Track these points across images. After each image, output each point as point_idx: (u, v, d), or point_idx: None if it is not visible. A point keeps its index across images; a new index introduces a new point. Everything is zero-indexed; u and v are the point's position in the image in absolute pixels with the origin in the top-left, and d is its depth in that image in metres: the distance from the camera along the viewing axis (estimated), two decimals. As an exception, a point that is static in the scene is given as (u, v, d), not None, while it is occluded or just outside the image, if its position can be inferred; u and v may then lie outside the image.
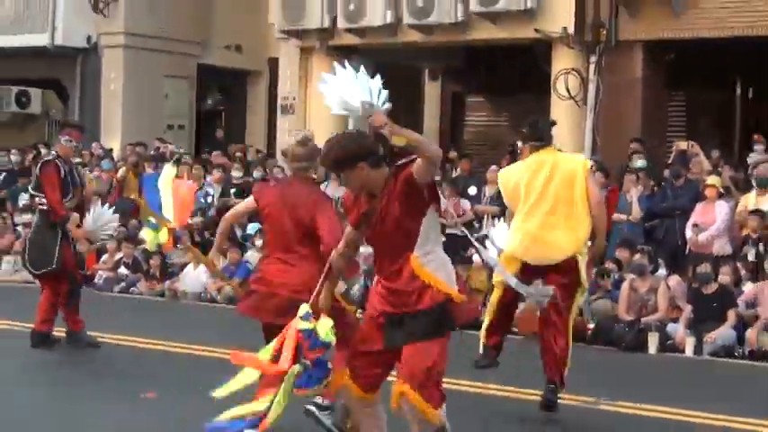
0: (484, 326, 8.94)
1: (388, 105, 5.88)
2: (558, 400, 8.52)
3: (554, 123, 9.86)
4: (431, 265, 5.96)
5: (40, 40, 23.76)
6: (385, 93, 5.93)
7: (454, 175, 17.90)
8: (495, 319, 8.92)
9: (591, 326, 13.61)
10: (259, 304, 7.53)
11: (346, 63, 6.13)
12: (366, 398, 6.15)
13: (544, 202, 8.56)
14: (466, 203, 16.54)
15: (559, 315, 8.52)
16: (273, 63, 23.34)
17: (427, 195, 5.91)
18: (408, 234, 5.94)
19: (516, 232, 8.65)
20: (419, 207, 5.92)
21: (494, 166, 16.77)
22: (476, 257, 14.84)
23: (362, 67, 6.09)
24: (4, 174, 21.26)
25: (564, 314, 8.58)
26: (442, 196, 6.12)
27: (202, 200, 18.40)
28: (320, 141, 20.25)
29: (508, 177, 9.01)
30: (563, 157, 9.02)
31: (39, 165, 11.36)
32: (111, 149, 21.91)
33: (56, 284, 10.98)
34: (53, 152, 11.39)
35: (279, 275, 7.48)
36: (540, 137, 8.83)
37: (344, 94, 6.06)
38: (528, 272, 8.50)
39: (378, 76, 6.06)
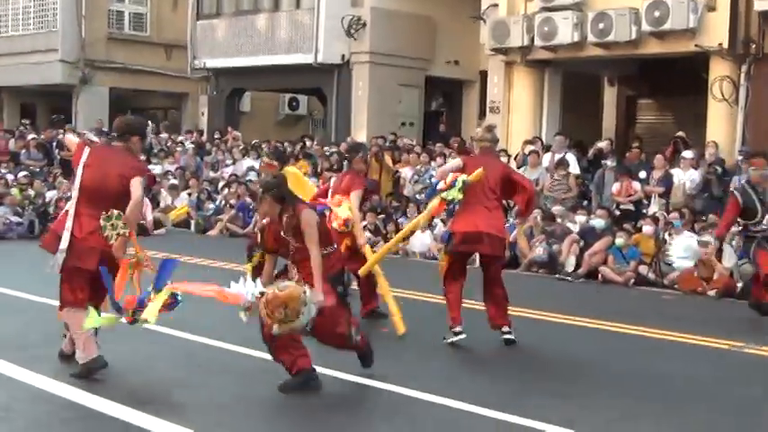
0: None
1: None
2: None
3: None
4: None
5: (307, 58, 24.22)
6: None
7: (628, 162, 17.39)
8: None
9: (739, 285, 13.06)
10: (469, 240, 8.17)
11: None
12: None
13: None
14: (637, 185, 16.09)
15: None
16: (483, 74, 23.23)
17: None
18: None
19: None
20: None
21: (659, 155, 16.34)
22: (646, 227, 14.45)
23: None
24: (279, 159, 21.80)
25: None
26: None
27: (427, 180, 18.53)
28: (521, 136, 20.01)
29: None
30: None
31: None
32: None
33: None
34: None
35: (486, 220, 8.11)
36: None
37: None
38: None
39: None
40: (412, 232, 10.04)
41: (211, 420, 6.06)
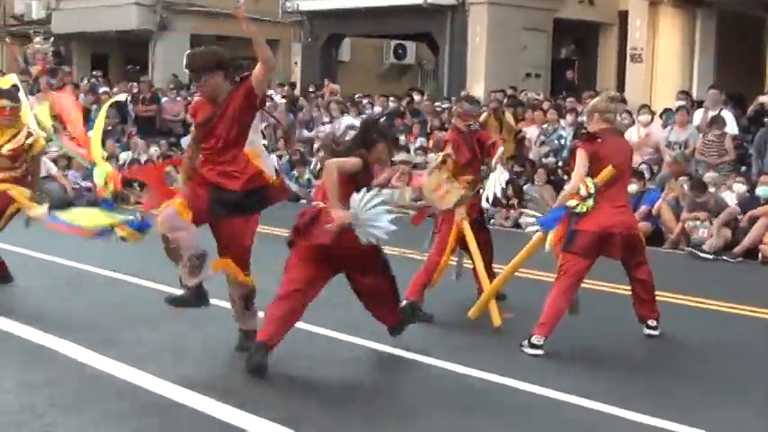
0: None
1: None
2: None
3: None
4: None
5: (415, -1, 24.27)
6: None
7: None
8: None
9: None
10: (599, 243, 7.84)
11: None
12: None
13: None
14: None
15: None
16: (623, 16, 22.92)
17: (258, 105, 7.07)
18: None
19: None
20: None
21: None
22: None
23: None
24: (384, 117, 21.85)
25: None
26: None
27: (556, 141, 18.38)
28: (667, 89, 19.77)
29: None
30: None
31: None
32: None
33: None
34: None
35: (614, 217, 7.87)
36: None
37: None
38: None
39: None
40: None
41: (302, 416, 6.12)
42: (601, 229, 7.82)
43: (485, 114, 19.61)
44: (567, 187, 8.35)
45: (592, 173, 7.89)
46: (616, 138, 8.20)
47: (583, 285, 8.19)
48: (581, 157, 7.98)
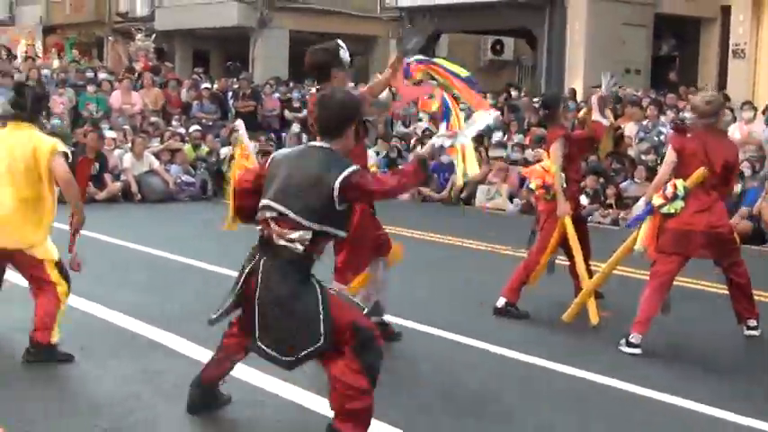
0: None
1: None
2: None
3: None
4: None
5: (514, -6, 24.22)
6: None
7: None
8: None
9: None
10: (683, 241, 7.72)
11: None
12: None
13: None
14: None
15: None
16: (726, 10, 22.56)
17: None
18: None
19: None
20: None
21: None
22: None
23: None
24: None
25: None
26: None
27: (655, 138, 18.18)
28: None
29: None
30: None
31: None
32: (573, 90, 22.02)
33: None
34: None
35: (701, 217, 7.72)
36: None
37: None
38: None
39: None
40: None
41: (413, 420, 6.12)
42: (680, 226, 7.76)
43: (583, 111, 19.46)
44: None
45: (678, 170, 7.84)
46: (707, 137, 7.90)
47: (683, 284, 8.12)
48: (668, 153, 8.03)
